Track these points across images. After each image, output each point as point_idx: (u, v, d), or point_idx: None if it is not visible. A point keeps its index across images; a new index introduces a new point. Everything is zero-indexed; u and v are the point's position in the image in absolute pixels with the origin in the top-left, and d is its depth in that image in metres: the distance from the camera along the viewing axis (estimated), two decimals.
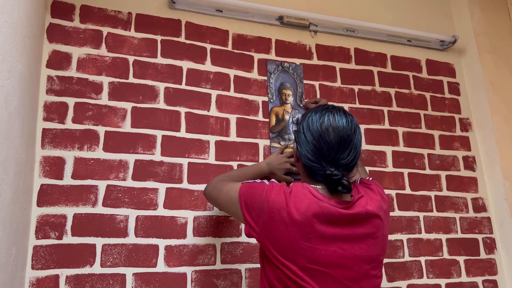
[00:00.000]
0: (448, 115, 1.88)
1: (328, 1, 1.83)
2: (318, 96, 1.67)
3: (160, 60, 1.49)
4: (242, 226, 1.41)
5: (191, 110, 1.48)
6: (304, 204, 0.94)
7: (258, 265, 1.38)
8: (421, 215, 1.68)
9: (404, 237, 1.62)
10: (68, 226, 1.24)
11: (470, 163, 1.84)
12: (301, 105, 1.61)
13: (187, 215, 1.37)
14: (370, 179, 1.15)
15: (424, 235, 1.65)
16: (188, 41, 1.55)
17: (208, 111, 1.50)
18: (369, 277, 0.97)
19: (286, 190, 0.98)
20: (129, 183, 1.34)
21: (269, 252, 0.97)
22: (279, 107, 1.60)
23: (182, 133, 1.45)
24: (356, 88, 1.75)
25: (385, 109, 1.77)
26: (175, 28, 1.55)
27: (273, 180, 1.06)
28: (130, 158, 1.36)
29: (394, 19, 1.91)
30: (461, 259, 1.68)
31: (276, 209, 0.95)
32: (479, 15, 2.00)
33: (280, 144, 1.54)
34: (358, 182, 1.11)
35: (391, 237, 1.59)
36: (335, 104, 1.67)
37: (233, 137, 1.50)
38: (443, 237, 1.68)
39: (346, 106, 1.70)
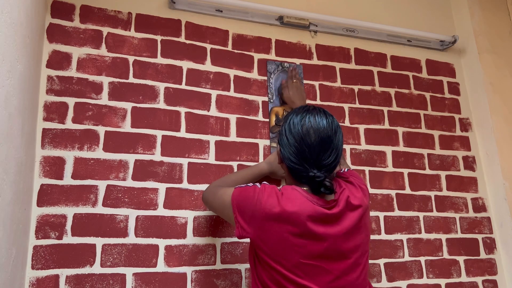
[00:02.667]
0: (448, 115, 1.88)
1: (328, 1, 1.83)
2: (318, 96, 1.67)
3: (160, 60, 1.49)
4: None
5: (191, 110, 1.48)
6: (296, 204, 0.98)
7: None
8: (421, 215, 1.68)
9: (404, 237, 1.62)
10: (68, 226, 1.25)
11: (470, 163, 1.84)
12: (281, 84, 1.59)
13: (187, 215, 1.37)
14: (346, 170, 1.19)
15: (424, 235, 1.65)
16: (188, 41, 1.55)
17: (208, 111, 1.50)
18: (357, 265, 1.02)
19: (278, 192, 1.01)
20: (129, 183, 1.34)
21: (262, 252, 0.99)
22: (279, 107, 1.59)
23: (182, 133, 1.45)
24: (356, 88, 1.75)
25: (385, 109, 1.77)
26: (175, 28, 1.55)
27: (264, 182, 1.08)
28: (130, 158, 1.36)
29: (394, 19, 1.91)
30: (461, 259, 1.68)
31: (269, 209, 0.98)
32: (479, 15, 2.00)
33: None
34: (335, 176, 1.14)
35: (391, 237, 1.59)
36: (335, 104, 1.69)
37: (233, 137, 1.50)
38: (443, 237, 1.68)
39: (346, 106, 1.71)
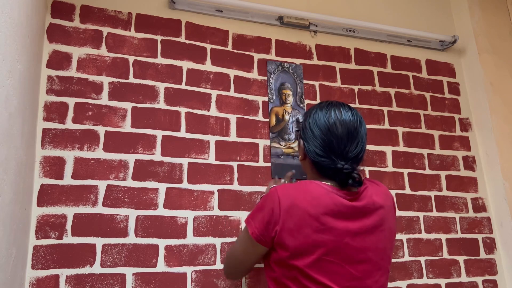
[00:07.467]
0: (448, 115, 1.88)
1: (328, 1, 1.83)
2: (318, 96, 1.67)
3: (160, 60, 1.49)
4: (242, 226, 1.41)
5: (191, 110, 1.48)
6: (315, 196, 0.96)
7: (258, 265, 1.38)
8: (421, 215, 1.68)
9: (404, 237, 1.62)
10: (68, 226, 1.25)
11: (470, 163, 1.84)
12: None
13: (187, 215, 1.37)
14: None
15: (424, 235, 1.65)
16: (188, 41, 1.55)
17: (208, 111, 1.50)
18: (378, 269, 0.98)
19: (292, 186, 0.99)
20: (129, 183, 1.34)
21: (281, 250, 0.97)
22: (279, 107, 1.60)
23: (182, 133, 1.45)
24: (356, 88, 1.75)
25: (385, 109, 1.77)
26: (175, 28, 1.55)
27: (273, 185, 1.06)
28: (130, 158, 1.36)
29: (394, 19, 1.91)
30: (461, 259, 1.68)
31: (287, 208, 0.95)
32: (479, 15, 2.01)
33: (280, 144, 1.54)
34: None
35: None
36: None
37: (233, 137, 1.50)
38: (443, 237, 1.68)
39: None
